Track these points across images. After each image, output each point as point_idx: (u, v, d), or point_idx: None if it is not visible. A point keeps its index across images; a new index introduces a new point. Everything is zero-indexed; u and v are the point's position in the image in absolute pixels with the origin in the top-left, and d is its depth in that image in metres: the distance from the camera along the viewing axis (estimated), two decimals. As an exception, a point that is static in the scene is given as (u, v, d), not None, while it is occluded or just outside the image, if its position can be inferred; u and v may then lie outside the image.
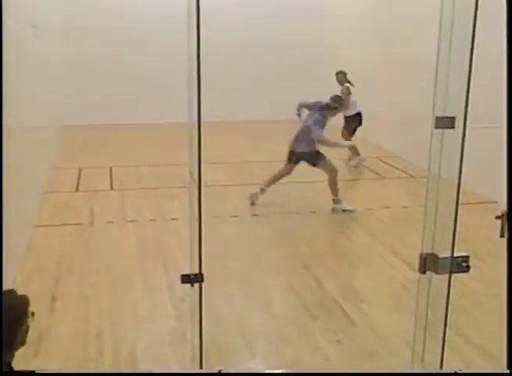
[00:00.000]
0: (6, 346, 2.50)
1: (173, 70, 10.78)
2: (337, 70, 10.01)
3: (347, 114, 9.96)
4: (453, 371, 2.72)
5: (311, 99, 8.05)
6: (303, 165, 7.77)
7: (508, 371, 2.52)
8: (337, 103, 7.86)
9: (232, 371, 3.52)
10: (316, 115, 7.69)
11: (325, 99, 7.90)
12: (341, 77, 9.93)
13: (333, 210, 7.68)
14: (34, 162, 7.24)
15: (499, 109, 3.01)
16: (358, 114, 10.01)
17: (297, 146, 7.74)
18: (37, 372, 2.68)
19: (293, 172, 7.86)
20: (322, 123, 7.65)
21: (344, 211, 7.62)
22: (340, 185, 7.87)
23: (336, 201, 7.71)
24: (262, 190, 7.78)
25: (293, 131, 7.90)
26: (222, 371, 2.75)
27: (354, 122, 10.07)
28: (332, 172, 7.73)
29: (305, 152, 7.68)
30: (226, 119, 11.89)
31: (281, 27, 13.05)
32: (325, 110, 7.72)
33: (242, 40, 12.74)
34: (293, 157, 7.78)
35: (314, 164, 7.75)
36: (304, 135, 7.67)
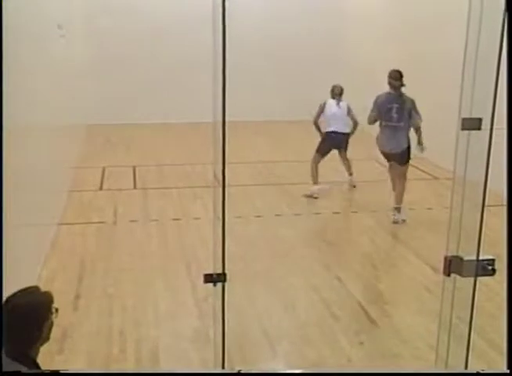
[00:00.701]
0: (31, 342, 2.53)
1: (195, 70, 10.85)
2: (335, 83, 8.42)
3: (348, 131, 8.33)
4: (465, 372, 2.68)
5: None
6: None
7: (508, 371, 2.48)
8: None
9: (253, 371, 3.52)
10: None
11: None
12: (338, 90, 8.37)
13: (395, 222, 7.11)
14: (58, 161, 7.32)
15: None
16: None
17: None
18: (61, 372, 2.70)
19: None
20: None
21: (395, 222, 7.12)
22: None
23: (399, 210, 7.18)
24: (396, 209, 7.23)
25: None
26: (242, 371, 2.74)
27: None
28: (405, 179, 7.32)
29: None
30: (242, 119, 11.81)
31: (301, 26, 12.94)
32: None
33: (260, 38, 12.71)
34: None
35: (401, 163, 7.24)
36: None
